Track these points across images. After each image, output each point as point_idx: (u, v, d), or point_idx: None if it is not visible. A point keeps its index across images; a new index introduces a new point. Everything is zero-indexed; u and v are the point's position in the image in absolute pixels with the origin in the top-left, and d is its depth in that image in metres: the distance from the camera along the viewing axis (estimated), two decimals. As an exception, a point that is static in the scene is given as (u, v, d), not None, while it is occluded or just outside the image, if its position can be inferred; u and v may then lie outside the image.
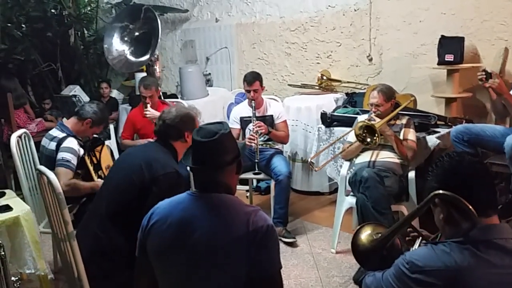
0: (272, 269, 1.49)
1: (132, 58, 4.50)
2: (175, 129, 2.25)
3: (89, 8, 6.30)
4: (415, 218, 1.55)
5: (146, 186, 2.04)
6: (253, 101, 3.66)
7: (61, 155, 2.75)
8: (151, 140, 3.58)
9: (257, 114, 3.72)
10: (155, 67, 4.58)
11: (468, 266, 1.27)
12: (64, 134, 2.87)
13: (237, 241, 1.45)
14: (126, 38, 4.52)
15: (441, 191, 1.35)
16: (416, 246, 1.58)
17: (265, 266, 1.47)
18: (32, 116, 5.11)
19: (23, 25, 5.76)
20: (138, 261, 1.64)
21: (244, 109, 3.86)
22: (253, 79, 3.66)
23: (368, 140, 3.09)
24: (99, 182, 2.84)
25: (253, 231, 1.45)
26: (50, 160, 2.81)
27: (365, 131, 3.10)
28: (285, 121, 3.81)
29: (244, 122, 3.81)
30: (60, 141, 2.82)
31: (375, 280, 1.49)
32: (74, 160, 2.77)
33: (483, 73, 2.87)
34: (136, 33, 4.52)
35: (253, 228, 1.46)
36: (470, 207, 1.30)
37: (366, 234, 1.64)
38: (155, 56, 4.54)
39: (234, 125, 3.82)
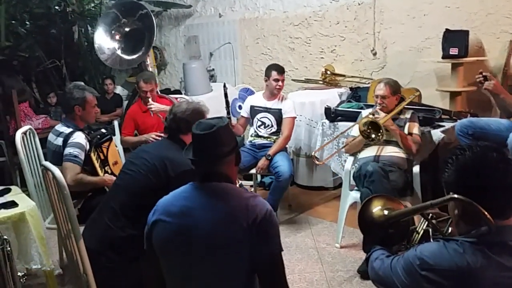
0: (273, 252, 1.54)
1: (124, 56, 4.46)
2: (185, 121, 2.26)
3: (92, 5, 6.29)
4: (427, 211, 1.53)
5: (162, 185, 2.06)
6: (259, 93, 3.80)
7: (68, 150, 2.74)
8: (152, 134, 3.61)
9: (269, 106, 3.85)
10: (147, 62, 4.55)
11: (480, 268, 1.23)
12: (71, 129, 2.85)
13: (237, 225, 1.49)
14: (113, 31, 4.44)
15: (457, 196, 1.29)
16: (423, 226, 1.57)
17: (266, 249, 1.52)
18: (31, 115, 5.11)
19: (27, 22, 5.76)
20: (147, 254, 1.68)
21: (257, 99, 3.97)
22: (282, 69, 3.82)
23: (373, 136, 3.08)
24: (106, 177, 2.86)
25: (252, 214, 1.50)
26: (56, 155, 2.81)
27: (370, 127, 3.09)
28: (291, 118, 3.82)
29: (254, 110, 3.91)
30: (67, 137, 2.80)
31: (382, 265, 1.47)
32: (81, 155, 2.76)
33: (481, 75, 2.92)
34: (126, 29, 4.46)
35: (252, 212, 1.51)
36: (488, 215, 1.23)
37: (376, 207, 1.64)
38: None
39: (244, 114, 4.01)
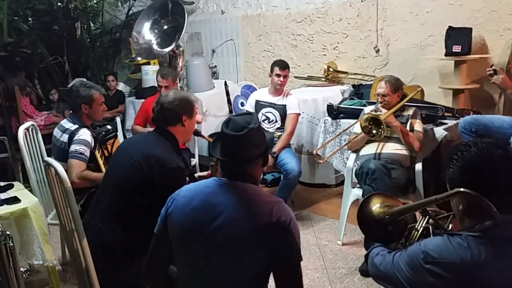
0: (294, 261, 1.52)
1: (157, 48, 4.59)
2: (173, 112, 2.18)
3: (95, 1, 6.31)
4: (429, 205, 1.54)
5: (148, 184, 2.01)
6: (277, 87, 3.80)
7: (74, 147, 2.73)
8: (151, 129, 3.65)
9: (274, 101, 3.87)
10: (178, 61, 4.62)
11: (484, 261, 1.24)
12: (76, 126, 2.83)
13: (259, 229, 1.47)
14: (156, 31, 4.62)
15: (464, 190, 1.29)
16: (423, 223, 1.57)
17: (286, 258, 1.51)
18: (32, 114, 5.15)
19: (29, 18, 5.77)
20: (156, 238, 1.66)
21: (263, 94, 3.97)
22: (285, 65, 3.83)
23: (374, 132, 3.08)
24: None
25: (276, 221, 1.48)
26: (62, 151, 2.80)
27: (371, 123, 3.09)
28: (295, 114, 3.82)
29: (259, 105, 3.92)
30: (72, 133, 2.79)
31: (384, 261, 1.47)
32: (87, 152, 2.74)
33: (491, 69, 2.94)
34: (165, 27, 4.61)
35: (276, 218, 1.48)
36: (494, 208, 1.24)
37: (375, 204, 1.64)
38: (181, 50, 4.58)
39: (248, 108, 4.01)
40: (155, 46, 4.61)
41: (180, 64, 4.63)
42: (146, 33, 4.62)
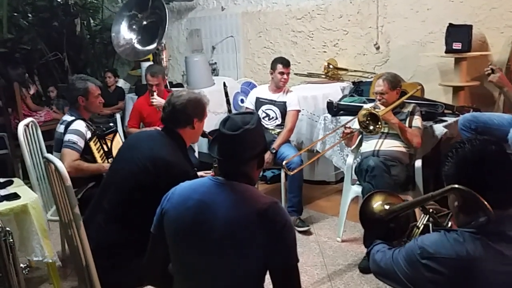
0: (290, 263, 1.52)
1: (139, 47, 4.56)
2: (185, 115, 2.15)
3: (95, -3, 6.30)
4: (427, 203, 1.56)
5: (152, 185, 1.99)
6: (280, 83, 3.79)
7: (67, 137, 2.79)
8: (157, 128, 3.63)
9: (274, 98, 3.85)
10: (162, 56, 4.61)
11: (480, 256, 1.26)
12: (73, 118, 2.90)
13: (253, 229, 1.46)
14: (134, 27, 4.59)
15: (458, 186, 1.31)
16: (424, 221, 1.58)
17: (283, 259, 1.50)
18: (32, 109, 5.15)
19: (29, 15, 5.77)
20: (152, 237, 1.66)
21: (263, 91, 3.96)
22: (288, 63, 3.82)
23: (371, 127, 3.07)
24: (105, 164, 2.85)
25: (272, 221, 1.47)
26: (58, 142, 2.88)
27: (369, 118, 3.08)
28: (295, 111, 3.80)
29: (259, 102, 3.90)
30: (68, 124, 2.86)
31: (384, 257, 1.48)
32: (80, 142, 2.80)
33: (489, 69, 2.98)
34: (144, 22, 4.59)
35: (271, 218, 1.47)
36: (488, 205, 1.25)
37: (376, 202, 1.65)
38: (162, 45, 4.57)
39: (248, 105, 3.99)
40: (137, 45, 4.57)
41: (164, 59, 4.62)
42: (125, 33, 4.57)
